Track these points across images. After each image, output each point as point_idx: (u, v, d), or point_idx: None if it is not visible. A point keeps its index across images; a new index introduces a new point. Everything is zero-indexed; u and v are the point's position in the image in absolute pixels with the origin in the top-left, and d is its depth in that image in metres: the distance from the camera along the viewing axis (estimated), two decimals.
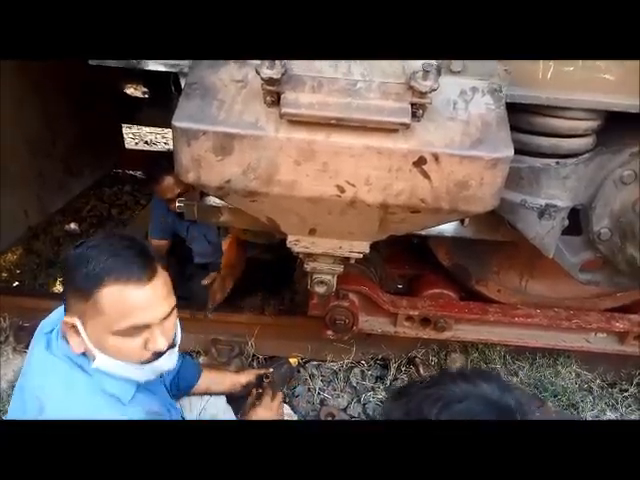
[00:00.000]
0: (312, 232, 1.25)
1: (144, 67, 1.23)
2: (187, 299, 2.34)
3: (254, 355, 2.18)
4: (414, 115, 1.03)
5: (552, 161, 1.34)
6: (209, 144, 1.04)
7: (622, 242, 1.38)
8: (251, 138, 1.04)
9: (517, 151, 1.37)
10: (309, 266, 1.36)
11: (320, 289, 1.41)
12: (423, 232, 1.62)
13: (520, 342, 2.01)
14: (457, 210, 1.12)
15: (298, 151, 1.05)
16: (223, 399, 1.77)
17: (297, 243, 1.28)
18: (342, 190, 1.09)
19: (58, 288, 2.71)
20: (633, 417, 2.05)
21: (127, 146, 2.74)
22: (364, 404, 2.05)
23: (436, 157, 1.05)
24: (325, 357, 2.20)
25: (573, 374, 2.17)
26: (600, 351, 2.02)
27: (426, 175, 1.07)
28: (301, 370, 2.19)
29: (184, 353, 1.82)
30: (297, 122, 1.03)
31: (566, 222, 1.45)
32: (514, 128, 1.36)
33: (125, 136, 2.83)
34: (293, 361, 2.18)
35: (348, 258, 1.34)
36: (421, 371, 2.16)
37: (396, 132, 1.04)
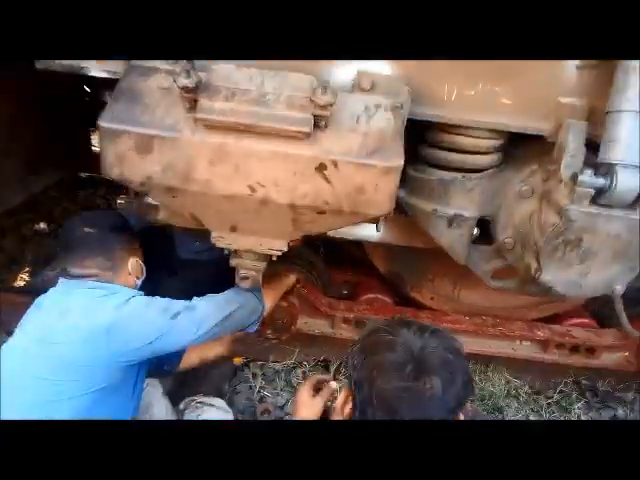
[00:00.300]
0: (233, 229, 1.36)
1: (87, 73, 1.35)
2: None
3: None
4: (317, 125, 1.16)
5: (459, 175, 1.48)
6: (131, 143, 1.16)
7: (522, 251, 1.51)
8: (169, 139, 1.15)
9: (430, 164, 1.53)
10: (234, 261, 1.47)
11: (245, 284, 1.51)
12: (351, 237, 1.75)
13: None
14: (358, 212, 1.24)
15: (212, 153, 1.17)
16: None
17: (221, 239, 1.39)
18: (253, 190, 1.21)
19: (18, 283, 2.79)
20: None
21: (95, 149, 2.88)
22: None
23: (335, 164, 1.17)
24: (268, 357, 2.30)
25: (503, 381, 2.29)
26: (524, 358, 2.15)
27: (327, 179, 1.19)
28: (244, 369, 2.28)
29: None
30: (211, 126, 1.15)
31: (476, 231, 1.58)
32: (429, 144, 1.51)
33: (93, 141, 2.97)
34: (237, 360, 2.27)
35: (270, 256, 1.46)
36: None
37: (300, 140, 1.16)
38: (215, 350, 1.92)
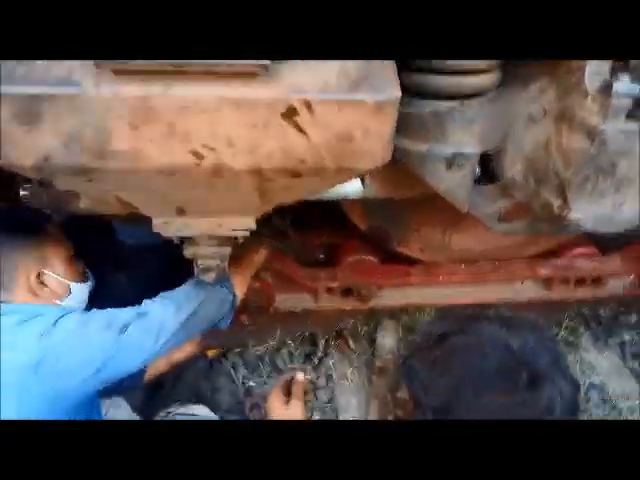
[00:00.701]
0: (181, 212, 1.03)
1: None
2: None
3: None
4: None
5: (456, 103, 1.18)
6: (9, 111, 0.79)
7: (537, 186, 1.26)
8: (64, 98, 0.79)
9: (417, 94, 1.22)
10: (188, 252, 1.14)
11: (208, 277, 1.20)
12: (325, 197, 1.44)
13: (447, 301, 1.91)
14: (345, 168, 0.94)
15: (132, 111, 0.81)
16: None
17: (166, 227, 1.06)
18: (200, 156, 0.87)
19: None
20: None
21: None
22: None
23: (308, 105, 0.85)
24: (247, 343, 2.02)
25: None
26: (528, 299, 1.97)
27: (300, 129, 0.87)
28: (222, 361, 2.00)
29: None
30: (124, 72, 0.79)
31: (478, 170, 1.31)
32: (411, 68, 1.20)
33: None
34: (212, 353, 1.98)
35: (236, 237, 1.14)
36: (350, 344, 2.03)
37: (256, 77, 0.83)
38: (184, 350, 1.62)
